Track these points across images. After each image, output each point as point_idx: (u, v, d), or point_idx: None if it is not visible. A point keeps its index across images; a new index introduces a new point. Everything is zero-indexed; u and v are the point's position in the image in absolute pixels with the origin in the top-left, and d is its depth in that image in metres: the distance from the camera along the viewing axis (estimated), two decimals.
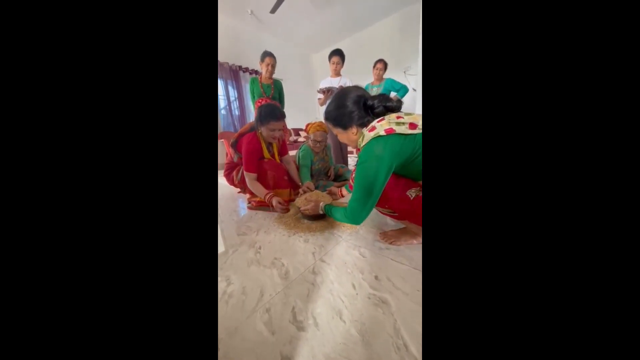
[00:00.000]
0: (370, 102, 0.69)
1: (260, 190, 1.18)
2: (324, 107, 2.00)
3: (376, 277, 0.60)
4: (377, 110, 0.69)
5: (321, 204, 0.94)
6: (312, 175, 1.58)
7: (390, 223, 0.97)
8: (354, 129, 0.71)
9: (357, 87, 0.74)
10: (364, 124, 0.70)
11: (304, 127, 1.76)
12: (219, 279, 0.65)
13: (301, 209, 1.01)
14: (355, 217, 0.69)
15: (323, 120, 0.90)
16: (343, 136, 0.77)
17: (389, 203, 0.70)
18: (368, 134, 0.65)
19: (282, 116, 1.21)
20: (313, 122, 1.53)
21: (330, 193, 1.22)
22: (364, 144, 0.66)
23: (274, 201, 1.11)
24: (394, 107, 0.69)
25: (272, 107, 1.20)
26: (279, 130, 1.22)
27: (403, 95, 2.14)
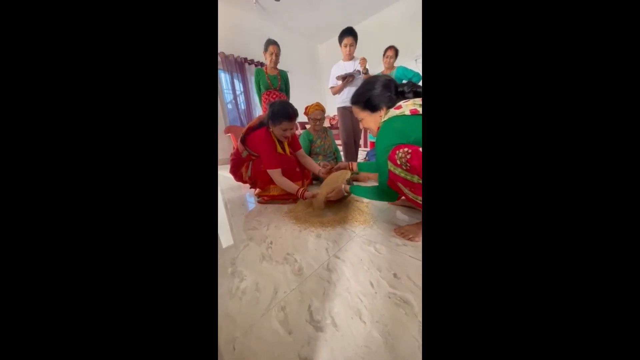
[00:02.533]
0: (401, 88, 0.76)
1: (291, 186, 1.15)
2: (335, 97, 1.91)
3: (395, 275, 0.57)
4: (407, 95, 0.75)
5: (343, 186, 0.97)
6: (316, 154, 1.72)
7: (404, 218, 0.93)
8: (382, 112, 0.76)
9: (384, 75, 0.81)
10: (391, 108, 0.74)
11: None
12: (232, 275, 0.63)
13: (327, 197, 1.03)
14: (387, 191, 0.75)
15: (349, 104, 0.91)
16: (369, 120, 0.80)
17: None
18: (393, 111, 0.70)
19: (295, 116, 1.16)
20: (311, 104, 1.65)
21: (339, 169, 1.16)
22: (386, 118, 0.71)
23: (308, 194, 1.09)
24: (422, 93, 0.77)
25: (285, 106, 1.14)
26: (291, 129, 1.18)
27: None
